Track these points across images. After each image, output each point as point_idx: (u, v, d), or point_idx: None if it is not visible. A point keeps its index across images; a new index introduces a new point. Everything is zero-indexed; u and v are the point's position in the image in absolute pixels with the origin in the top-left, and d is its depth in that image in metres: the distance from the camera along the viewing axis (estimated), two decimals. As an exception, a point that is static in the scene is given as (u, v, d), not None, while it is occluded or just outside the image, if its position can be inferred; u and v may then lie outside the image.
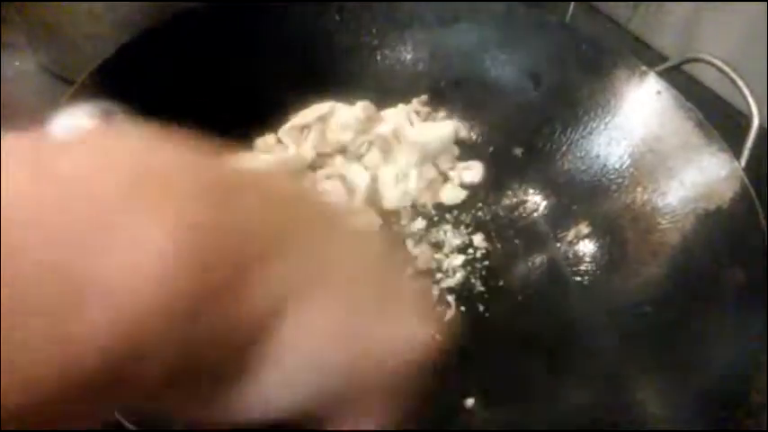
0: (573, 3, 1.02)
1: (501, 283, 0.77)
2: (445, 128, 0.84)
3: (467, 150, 0.87)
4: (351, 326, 0.24)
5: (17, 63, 0.93)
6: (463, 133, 0.86)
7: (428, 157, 0.82)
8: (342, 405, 0.25)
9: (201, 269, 0.20)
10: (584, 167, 0.82)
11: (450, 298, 0.75)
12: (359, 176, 0.78)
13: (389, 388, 0.26)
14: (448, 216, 0.82)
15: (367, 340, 0.24)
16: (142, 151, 0.23)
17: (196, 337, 0.21)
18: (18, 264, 0.18)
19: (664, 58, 1.00)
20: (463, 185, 0.85)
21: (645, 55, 1.02)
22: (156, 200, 0.21)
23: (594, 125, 0.81)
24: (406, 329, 0.26)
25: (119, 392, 0.20)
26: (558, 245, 0.80)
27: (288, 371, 0.23)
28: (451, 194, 0.83)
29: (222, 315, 0.21)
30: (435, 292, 0.75)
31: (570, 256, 0.79)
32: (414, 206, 0.81)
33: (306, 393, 0.24)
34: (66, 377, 0.18)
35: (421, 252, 0.77)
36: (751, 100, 0.71)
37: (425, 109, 0.88)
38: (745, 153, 0.70)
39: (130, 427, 0.47)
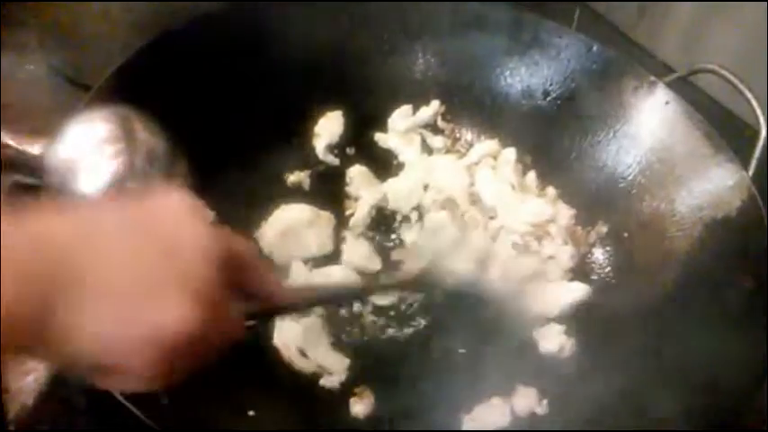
0: (578, 11, 1.03)
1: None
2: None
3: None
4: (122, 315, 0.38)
5: (28, 65, 0.93)
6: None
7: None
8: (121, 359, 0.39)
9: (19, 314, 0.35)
10: (592, 176, 0.82)
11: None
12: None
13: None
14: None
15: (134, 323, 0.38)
16: None
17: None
18: None
19: (668, 67, 1.01)
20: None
21: (650, 64, 1.03)
22: None
23: (603, 134, 0.82)
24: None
25: None
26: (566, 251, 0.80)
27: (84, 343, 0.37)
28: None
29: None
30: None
31: (579, 262, 0.79)
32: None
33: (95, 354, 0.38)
34: None
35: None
36: (759, 110, 0.72)
37: (448, 125, 0.90)
38: (753, 162, 0.71)
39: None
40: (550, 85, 0.86)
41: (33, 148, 0.70)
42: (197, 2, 0.78)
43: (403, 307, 0.75)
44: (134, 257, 0.39)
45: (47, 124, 0.77)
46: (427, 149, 0.88)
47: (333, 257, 0.78)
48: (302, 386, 0.68)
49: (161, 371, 0.40)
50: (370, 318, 0.74)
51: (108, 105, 0.64)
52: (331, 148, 0.86)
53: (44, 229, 0.38)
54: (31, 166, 0.66)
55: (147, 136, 0.64)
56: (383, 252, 0.80)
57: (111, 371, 0.39)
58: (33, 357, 0.42)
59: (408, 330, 0.73)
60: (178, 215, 0.42)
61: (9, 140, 0.71)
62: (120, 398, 0.48)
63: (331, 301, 0.67)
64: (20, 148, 0.71)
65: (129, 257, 0.39)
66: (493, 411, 0.68)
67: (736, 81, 0.74)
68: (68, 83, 0.91)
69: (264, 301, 0.48)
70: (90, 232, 0.39)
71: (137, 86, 0.70)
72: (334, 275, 0.75)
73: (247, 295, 0.46)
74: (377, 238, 0.81)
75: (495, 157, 0.86)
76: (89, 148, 0.61)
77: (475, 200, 0.82)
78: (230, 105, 0.76)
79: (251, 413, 0.63)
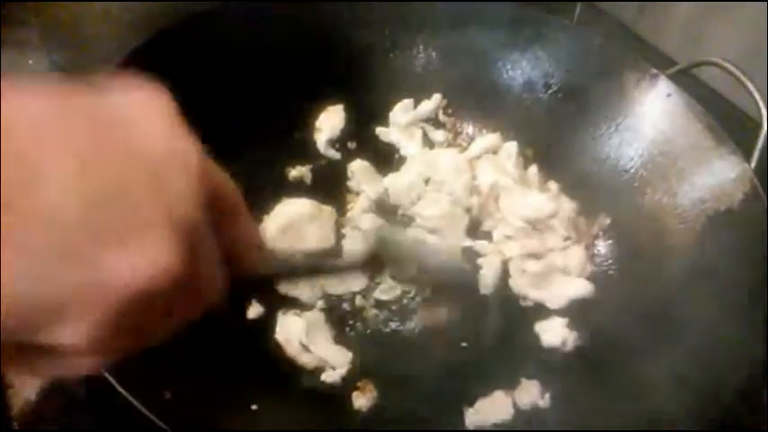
0: (579, 5, 1.03)
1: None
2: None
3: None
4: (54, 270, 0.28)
5: (29, 62, 0.93)
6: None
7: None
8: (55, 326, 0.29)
9: None
10: (595, 169, 0.82)
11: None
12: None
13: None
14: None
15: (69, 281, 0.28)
16: None
17: None
18: None
19: (669, 60, 1.01)
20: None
21: (651, 57, 1.03)
22: None
23: (605, 127, 0.82)
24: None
25: None
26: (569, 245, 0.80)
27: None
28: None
29: None
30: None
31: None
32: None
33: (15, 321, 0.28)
34: None
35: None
36: (761, 103, 0.71)
37: (449, 119, 0.90)
38: (756, 155, 0.71)
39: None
40: (552, 78, 0.86)
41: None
42: (197, 0, 0.78)
43: (405, 301, 0.75)
44: (94, 165, 0.29)
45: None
46: (429, 143, 0.88)
47: (334, 251, 0.78)
48: (305, 380, 0.68)
49: (110, 337, 0.30)
50: (372, 311, 0.74)
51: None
52: (332, 143, 0.86)
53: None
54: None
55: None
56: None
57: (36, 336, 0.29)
58: None
59: (411, 324, 0.73)
60: (158, 123, 0.32)
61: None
62: (123, 391, 0.48)
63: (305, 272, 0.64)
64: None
65: (88, 164, 0.29)
66: (496, 405, 0.68)
67: (738, 73, 0.73)
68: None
69: (239, 257, 0.38)
70: (38, 126, 0.28)
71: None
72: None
73: (223, 247, 0.35)
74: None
75: (496, 151, 0.86)
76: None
77: (476, 193, 0.81)
78: (231, 101, 0.76)
79: (254, 407, 0.63)
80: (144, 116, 0.32)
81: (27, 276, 0.27)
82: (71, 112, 0.30)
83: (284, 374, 0.68)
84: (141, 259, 0.29)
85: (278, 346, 0.69)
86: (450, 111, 0.90)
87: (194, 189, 0.31)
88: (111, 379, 0.48)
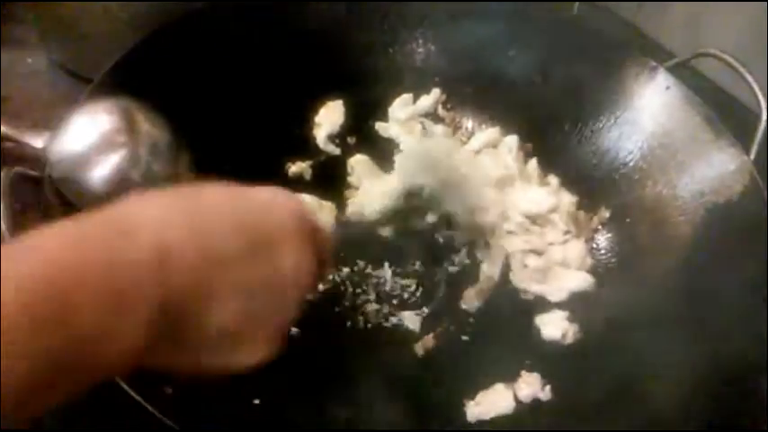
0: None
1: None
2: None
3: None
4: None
5: (29, 59, 0.94)
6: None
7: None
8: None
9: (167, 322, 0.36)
10: (594, 162, 0.83)
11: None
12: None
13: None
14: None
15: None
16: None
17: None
18: None
19: (669, 54, 1.01)
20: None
21: (650, 50, 1.03)
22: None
23: (605, 120, 0.82)
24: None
25: None
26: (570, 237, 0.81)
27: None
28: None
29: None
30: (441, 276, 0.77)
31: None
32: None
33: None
34: None
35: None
36: (760, 95, 0.72)
37: (448, 114, 0.90)
38: (755, 147, 0.71)
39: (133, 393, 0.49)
40: (551, 72, 0.86)
41: (35, 141, 0.70)
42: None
43: (406, 295, 0.75)
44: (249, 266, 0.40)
45: (48, 117, 0.78)
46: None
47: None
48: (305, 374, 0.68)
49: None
50: (372, 306, 0.74)
51: (110, 97, 0.65)
52: (332, 138, 0.86)
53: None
54: (34, 159, 0.66)
55: (150, 127, 0.63)
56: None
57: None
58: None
59: (413, 318, 0.74)
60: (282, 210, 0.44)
61: (11, 133, 0.71)
62: (125, 387, 0.48)
63: None
64: (22, 140, 0.71)
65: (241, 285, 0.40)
66: (497, 397, 0.68)
67: (737, 65, 0.74)
68: (69, 76, 0.91)
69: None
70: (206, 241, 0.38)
71: (138, 79, 0.70)
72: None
73: None
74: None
75: (496, 145, 0.86)
76: (92, 140, 0.61)
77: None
78: (231, 97, 0.76)
79: (256, 402, 0.63)
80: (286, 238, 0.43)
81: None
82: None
83: (285, 369, 0.68)
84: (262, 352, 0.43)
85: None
86: (449, 105, 0.90)
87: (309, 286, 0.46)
88: (113, 374, 0.48)
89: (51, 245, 0.33)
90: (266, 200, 0.44)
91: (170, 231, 0.36)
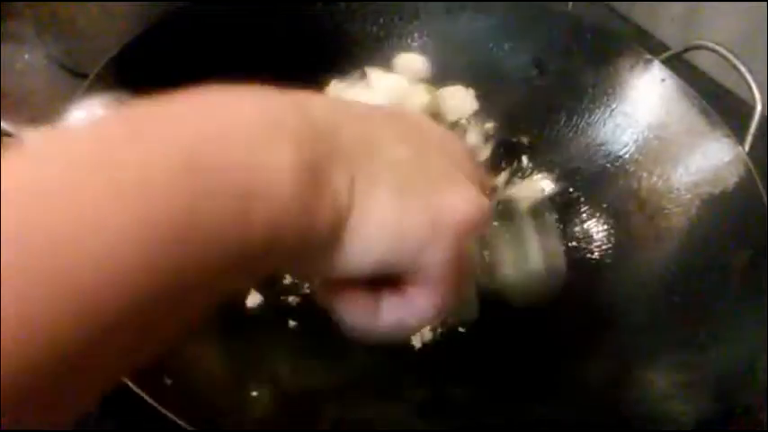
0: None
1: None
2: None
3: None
4: (408, 200, 0.32)
5: (25, 55, 0.94)
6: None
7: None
8: (416, 258, 0.33)
9: (312, 172, 0.30)
10: (590, 154, 0.83)
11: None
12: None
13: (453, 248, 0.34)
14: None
15: (422, 208, 0.33)
16: (257, 97, 0.34)
17: (308, 221, 0.30)
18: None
19: (665, 46, 1.01)
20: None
21: (646, 43, 1.03)
22: (277, 129, 0.30)
23: (600, 113, 0.82)
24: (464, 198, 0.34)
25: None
26: (566, 231, 0.81)
27: (368, 236, 0.32)
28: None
29: (319, 204, 0.30)
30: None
31: (578, 241, 0.80)
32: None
33: (383, 250, 0.32)
34: None
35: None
36: (754, 86, 0.72)
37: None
38: (749, 138, 0.72)
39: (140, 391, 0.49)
40: (546, 65, 0.86)
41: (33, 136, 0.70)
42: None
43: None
44: (407, 140, 0.35)
45: (45, 112, 0.78)
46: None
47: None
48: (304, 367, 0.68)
49: (453, 275, 0.34)
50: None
51: (106, 92, 0.65)
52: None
53: (306, 99, 0.35)
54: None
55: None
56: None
57: (397, 280, 0.35)
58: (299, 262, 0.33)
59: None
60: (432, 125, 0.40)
61: (9, 128, 0.72)
62: (125, 378, 0.49)
63: None
64: (18, 135, 0.71)
65: (402, 140, 0.35)
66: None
67: (731, 57, 0.74)
68: (66, 72, 0.91)
69: None
70: (352, 113, 0.35)
71: (135, 73, 0.70)
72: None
73: None
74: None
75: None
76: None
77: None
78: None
79: (254, 394, 0.64)
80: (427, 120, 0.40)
81: (393, 218, 0.32)
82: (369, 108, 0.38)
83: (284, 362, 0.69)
84: (469, 195, 0.34)
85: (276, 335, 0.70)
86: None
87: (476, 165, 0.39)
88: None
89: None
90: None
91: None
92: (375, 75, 0.83)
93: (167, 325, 0.26)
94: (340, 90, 0.83)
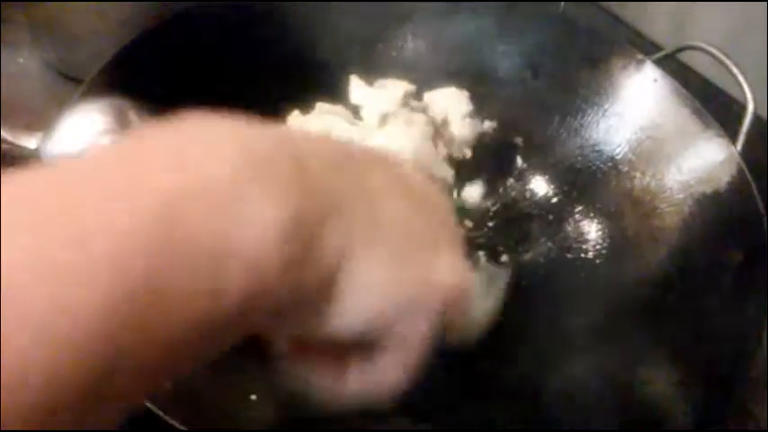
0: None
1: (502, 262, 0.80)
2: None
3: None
4: (399, 268, 0.31)
5: (20, 60, 0.94)
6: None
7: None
8: (395, 327, 0.32)
9: (300, 229, 0.27)
10: (583, 155, 0.83)
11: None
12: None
13: (431, 316, 0.33)
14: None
15: (413, 280, 0.32)
16: (241, 138, 0.29)
17: (292, 282, 0.27)
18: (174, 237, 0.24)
19: (657, 47, 1.02)
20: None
21: (638, 44, 1.04)
22: (262, 180, 0.27)
23: (593, 113, 0.83)
24: (447, 271, 0.33)
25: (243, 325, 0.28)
26: (559, 232, 0.82)
27: (355, 301, 0.30)
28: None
29: (306, 264, 0.28)
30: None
31: (572, 241, 0.81)
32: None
33: (369, 317, 0.31)
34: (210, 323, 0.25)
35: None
36: (746, 86, 0.73)
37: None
38: (741, 138, 0.72)
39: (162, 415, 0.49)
40: (539, 66, 0.87)
41: (29, 142, 0.70)
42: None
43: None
44: (399, 194, 0.33)
45: (41, 119, 0.78)
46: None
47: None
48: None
49: (424, 347, 0.34)
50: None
51: (102, 97, 0.65)
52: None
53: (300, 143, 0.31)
54: (27, 160, 0.67)
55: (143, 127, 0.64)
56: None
57: (375, 344, 0.33)
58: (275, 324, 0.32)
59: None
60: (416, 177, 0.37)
61: (4, 134, 0.72)
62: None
63: None
64: (15, 141, 0.71)
65: (394, 194, 0.33)
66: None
67: (722, 57, 0.75)
68: (61, 78, 0.91)
69: None
70: (343, 154, 0.33)
71: (131, 78, 0.70)
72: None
73: None
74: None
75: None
76: (85, 139, 0.62)
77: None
78: (225, 95, 0.75)
79: (253, 397, 0.64)
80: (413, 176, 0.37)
81: (386, 283, 0.31)
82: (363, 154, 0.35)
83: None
84: (456, 265, 0.34)
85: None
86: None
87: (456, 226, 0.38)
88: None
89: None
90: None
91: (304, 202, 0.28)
92: (357, 84, 0.84)
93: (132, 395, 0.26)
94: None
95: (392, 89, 0.82)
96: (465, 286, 0.34)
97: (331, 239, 0.29)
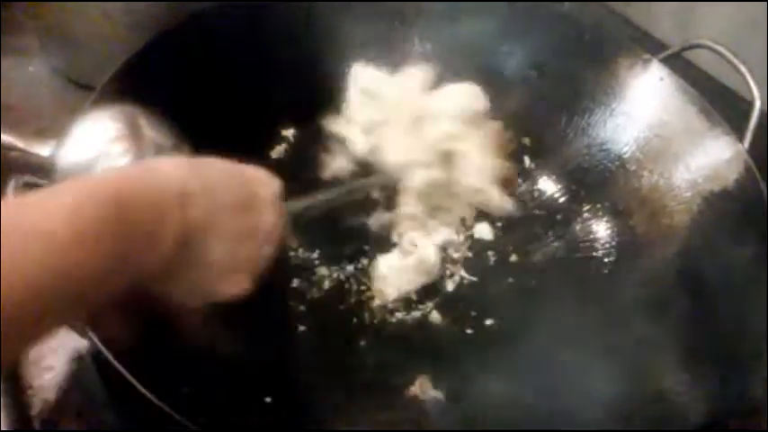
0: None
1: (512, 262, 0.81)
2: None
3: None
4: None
5: (30, 68, 0.94)
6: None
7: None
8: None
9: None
10: (591, 154, 0.84)
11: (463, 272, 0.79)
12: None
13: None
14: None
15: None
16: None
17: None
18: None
19: (662, 45, 1.02)
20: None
21: (643, 42, 1.04)
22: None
23: (600, 112, 0.83)
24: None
25: None
26: (569, 230, 0.82)
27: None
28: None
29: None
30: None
31: (581, 240, 0.81)
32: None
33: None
34: None
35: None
36: (752, 83, 0.73)
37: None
38: (748, 135, 0.72)
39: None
40: (546, 66, 0.87)
41: (41, 149, 0.71)
42: (198, 0, 0.79)
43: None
44: (233, 224, 0.51)
45: (51, 126, 0.79)
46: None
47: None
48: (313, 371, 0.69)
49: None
50: (377, 302, 0.75)
51: (113, 104, 0.65)
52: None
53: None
54: (40, 168, 0.67)
55: (155, 133, 0.64)
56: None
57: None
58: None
59: (416, 314, 0.75)
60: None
61: (16, 142, 0.72)
62: (141, 388, 0.49)
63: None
64: (27, 149, 0.72)
65: (229, 223, 0.50)
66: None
67: (729, 55, 0.75)
68: (71, 84, 0.92)
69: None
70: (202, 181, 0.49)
71: (141, 85, 0.70)
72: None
73: None
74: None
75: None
76: (97, 147, 0.62)
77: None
78: (236, 101, 0.77)
79: (267, 400, 0.64)
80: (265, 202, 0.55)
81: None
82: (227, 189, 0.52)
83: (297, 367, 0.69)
84: (242, 285, 0.53)
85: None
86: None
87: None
88: (129, 377, 0.49)
89: (107, 176, 0.47)
90: (254, 174, 0.55)
91: (189, 181, 0.47)
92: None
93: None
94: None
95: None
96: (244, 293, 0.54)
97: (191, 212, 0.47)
